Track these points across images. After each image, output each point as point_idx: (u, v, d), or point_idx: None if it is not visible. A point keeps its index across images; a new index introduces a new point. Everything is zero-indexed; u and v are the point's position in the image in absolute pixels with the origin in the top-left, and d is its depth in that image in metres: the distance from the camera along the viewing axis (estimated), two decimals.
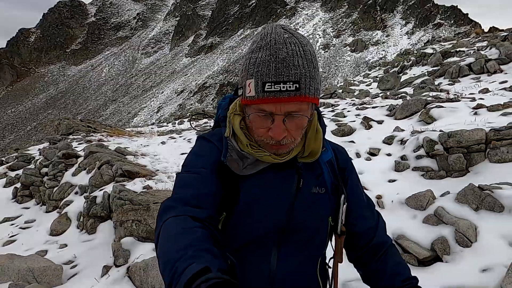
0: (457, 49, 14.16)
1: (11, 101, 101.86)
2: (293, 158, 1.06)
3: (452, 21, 72.77)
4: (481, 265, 2.87)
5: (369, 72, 20.60)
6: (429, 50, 16.44)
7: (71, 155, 7.95)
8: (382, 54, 71.26)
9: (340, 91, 13.91)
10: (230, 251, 1.00)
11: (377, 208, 1.26)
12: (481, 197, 3.32)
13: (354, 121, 6.66)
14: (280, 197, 1.05)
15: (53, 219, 5.98)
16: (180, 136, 10.34)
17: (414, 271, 1.16)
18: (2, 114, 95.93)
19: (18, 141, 71.03)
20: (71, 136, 11.73)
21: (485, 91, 8.06)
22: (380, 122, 6.56)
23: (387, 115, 6.87)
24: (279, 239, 1.05)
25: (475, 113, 5.48)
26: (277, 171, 1.06)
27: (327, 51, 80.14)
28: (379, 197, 4.03)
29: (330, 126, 6.42)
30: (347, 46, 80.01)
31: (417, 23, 77.80)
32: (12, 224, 6.56)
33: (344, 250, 1.18)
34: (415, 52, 19.92)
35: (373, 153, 5.33)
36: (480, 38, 16.96)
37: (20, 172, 8.65)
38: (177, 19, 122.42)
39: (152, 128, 15.97)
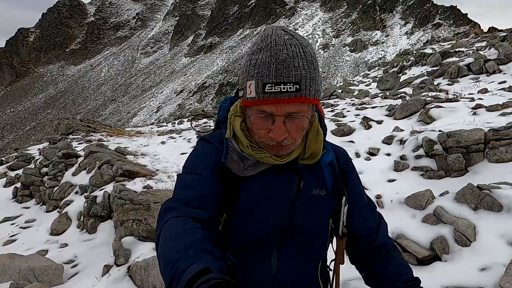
0: (456, 49, 14.16)
1: (10, 101, 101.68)
2: (293, 160, 1.06)
3: (451, 21, 72.71)
4: (480, 264, 2.88)
5: (369, 72, 20.62)
6: (428, 50, 16.44)
7: (71, 155, 7.96)
8: (381, 54, 71.22)
9: (340, 91, 13.90)
10: (231, 252, 0.99)
11: (376, 207, 1.27)
12: (480, 197, 3.34)
13: (353, 121, 6.67)
14: (281, 198, 1.05)
15: (53, 218, 5.99)
16: (180, 136, 10.34)
17: (413, 270, 1.17)
18: (1, 114, 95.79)
19: (17, 141, 71.01)
20: (71, 136, 11.73)
21: (484, 91, 8.08)
22: (379, 122, 6.56)
23: (386, 115, 6.87)
24: (279, 240, 1.05)
25: (474, 113, 5.49)
26: (278, 173, 1.05)
27: (326, 51, 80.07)
28: (378, 196, 4.05)
29: (330, 126, 6.41)
30: (347, 46, 79.91)
31: (416, 23, 77.73)
32: (13, 224, 6.57)
33: (345, 252, 1.19)
34: (415, 52, 19.96)
35: (372, 153, 5.34)
36: (479, 38, 16.96)
37: (20, 172, 8.65)
38: (177, 19, 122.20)
39: (151, 128, 15.94)
